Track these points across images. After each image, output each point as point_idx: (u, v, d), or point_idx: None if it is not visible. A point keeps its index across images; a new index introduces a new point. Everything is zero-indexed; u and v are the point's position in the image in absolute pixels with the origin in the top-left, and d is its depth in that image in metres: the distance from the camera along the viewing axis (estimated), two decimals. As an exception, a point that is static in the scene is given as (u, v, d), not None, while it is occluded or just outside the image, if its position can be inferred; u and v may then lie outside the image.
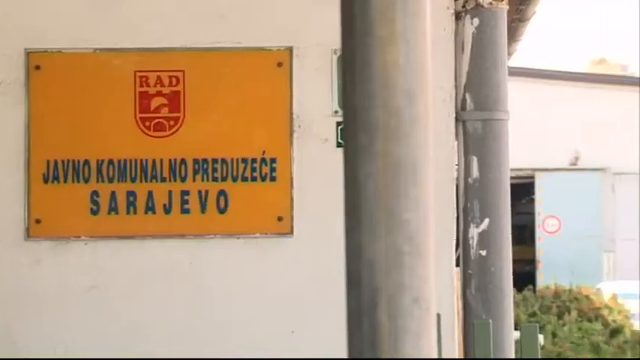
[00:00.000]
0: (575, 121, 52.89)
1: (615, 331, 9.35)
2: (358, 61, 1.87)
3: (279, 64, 5.34)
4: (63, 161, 5.48)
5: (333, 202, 4.68)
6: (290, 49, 5.32)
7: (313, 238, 5.20)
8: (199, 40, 5.42)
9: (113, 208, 5.46)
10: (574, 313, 11.80)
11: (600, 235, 53.40)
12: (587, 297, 15.03)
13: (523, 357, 2.68)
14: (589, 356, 7.54)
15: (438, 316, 2.41)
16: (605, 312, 13.91)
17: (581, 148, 53.64)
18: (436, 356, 1.83)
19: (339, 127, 5.10)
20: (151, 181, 5.44)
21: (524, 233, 49.36)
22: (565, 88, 55.05)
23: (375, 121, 1.84)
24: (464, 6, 4.98)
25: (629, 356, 7.62)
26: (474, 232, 5.06)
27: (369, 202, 1.84)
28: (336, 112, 5.16)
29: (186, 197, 5.42)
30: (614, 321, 12.55)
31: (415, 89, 1.84)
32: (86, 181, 5.47)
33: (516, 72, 37.93)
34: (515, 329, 5.00)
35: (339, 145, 5.12)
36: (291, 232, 5.28)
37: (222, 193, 5.39)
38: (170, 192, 5.43)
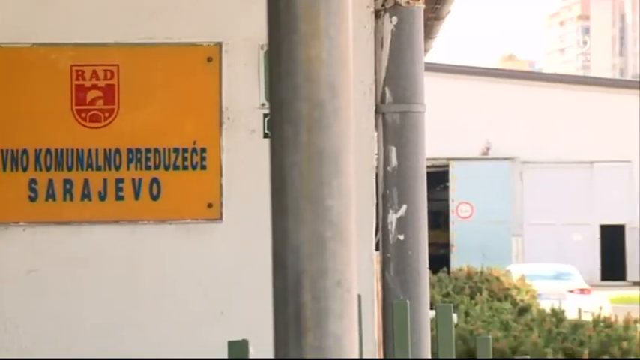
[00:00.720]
0: (487, 114, 53.44)
1: (523, 310, 9.44)
2: (283, 55, 1.86)
3: (209, 59, 5.33)
4: (2, 151, 5.43)
5: (260, 189, 4.68)
6: (219, 45, 5.31)
7: (241, 223, 5.19)
8: (133, 36, 5.39)
9: (51, 196, 5.42)
10: (485, 294, 11.90)
11: (509, 221, 54.04)
12: (497, 278, 15.17)
13: (438, 334, 2.69)
14: (499, 333, 7.59)
15: (359, 296, 2.41)
16: (513, 292, 14.04)
17: (491, 138, 54.19)
18: (357, 334, 1.83)
19: (266, 119, 5.08)
20: (87, 169, 5.40)
21: (439, 219, 49.83)
22: (477, 82, 55.59)
23: (299, 112, 1.83)
24: (383, 5, 4.99)
25: (535, 332, 7.69)
26: (392, 217, 5.07)
27: (293, 189, 1.84)
28: (263, 104, 5.15)
29: (120, 185, 5.39)
30: (522, 300, 12.66)
31: (337, 82, 1.84)
32: (24, 169, 5.43)
33: (432, 67, 38.20)
34: (431, 309, 5.03)
35: (265, 135, 5.12)
36: (221, 218, 5.28)
37: (154, 181, 5.37)
38: (105, 180, 5.40)
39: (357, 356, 1.81)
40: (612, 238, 54.05)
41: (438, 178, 50.32)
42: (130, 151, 5.39)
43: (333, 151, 1.84)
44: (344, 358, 1.77)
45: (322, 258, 1.79)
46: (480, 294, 11.85)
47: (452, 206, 53.84)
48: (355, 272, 1.84)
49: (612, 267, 53.32)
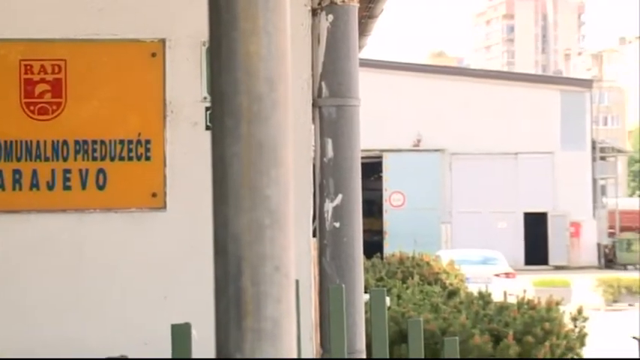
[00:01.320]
0: (418, 108, 53.75)
1: (452, 293, 9.49)
2: (224, 51, 1.86)
3: (153, 55, 5.30)
4: (-47, 142, 5.37)
5: (202, 179, 4.66)
6: (163, 41, 5.28)
7: (184, 212, 5.18)
8: (80, 32, 5.34)
9: (0, 185, 5.37)
10: (416, 278, 11.95)
11: (439, 209, 54.45)
12: (427, 263, 15.24)
13: (372, 317, 2.69)
14: (429, 315, 7.63)
15: (297, 282, 2.41)
16: (443, 276, 14.13)
17: (422, 131, 54.52)
18: (295, 317, 1.83)
19: (208, 112, 5.07)
20: (35, 160, 5.36)
21: (373, 207, 50.07)
22: (409, 78, 55.84)
23: (239, 105, 1.83)
24: (319, 3, 4.99)
25: (463, 314, 7.74)
26: (328, 206, 5.07)
27: (234, 179, 1.83)
28: (205, 98, 5.13)
29: (68, 175, 5.35)
30: (451, 284, 12.74)
31: (275, 77, 1.84)
32: (-25, 160, 5.37)
33: (367, 63, 38.31)
34: (365, 292, 5.03)
35: (207, 127, 5.10)
36: (165, 207, 5.25)
37: (101, 171, 5.33)
38: (53, 170, 5.36)
39: (294, 338, 1.81)
40: (535, 225, 54.63)
41: (372, 169, 50.57)
42: (77, 142, 5.35)
43: (272, 142, 1.84)
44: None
45: (261, 245, 1.79)
46: (412, 278, 11.90)
47: (385, 195, 54.19)
48: (293, 258, 1.84)
49: (535, 252, 53.89)
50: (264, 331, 1.77)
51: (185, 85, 5.21)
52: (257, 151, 1.83)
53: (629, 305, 31.34)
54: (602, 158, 58.81)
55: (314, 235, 5.21)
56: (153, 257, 5.20)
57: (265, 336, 1.76)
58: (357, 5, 5.11)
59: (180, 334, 2.45)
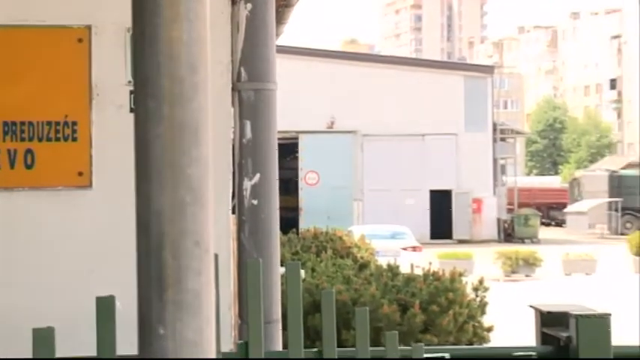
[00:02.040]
0: (332, 92, 53.86)
1: (363, 266, 9.54)
2: (147, 37, 1.85)
3: (80, 40, 5.24)
4: None
5: (126, 159, 4.61)
6: (89, 27, 5.22)
7: (109, 190, 5.13)
8: (8, 18, 5.26)
9: None
10: (330, 252, 11.99)
11: (351, 187, 54.70)
12: (340, 238, 15.29)
13: (287, 289, 2.69)
14: (342, 287, 7.67)
15: (216, 256, 2.40)
16: (355, 250, 14.18)
17: (336, 114, 54.68)
18: (214, 289, 1.82)
19: (132, 95, 5.02)
20: (-35, 141, 5.27)
21: (289, 185, 50.15)
22: (323, 63, 55.93)
23: (161, 88, 1.82)
24: (239, -8, 4.96)
25: (373, 286, 7.79)
26: (247, 184, 5.06)
27: (156, 159, 1.82)
28: (129, 81, 5.08)
29: (-3, 155, 5.27)
30: (362, 257, 12.80)
31: (196, 61, 1.83)
32: None
33: (284, 50, 38.26)
34: (282, 266, 5.04)
35: (132, 110, 5.05)
36: (90, 185, 5.21)
37: (29, 151, 5.26)
38: (-17, 151, 5.28)
39: (213, 309, 1.81)
40: (440, 202, 55.17)
41: (289, 149, 50.64)
42: (5, 124, 5.27)
43: (193, 123, 1.83)
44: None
45: (182, 221, 1.79)
46: (325, 252, 11.93)
47: (300, 174, 54.35)
48: (212, 234, 1.84)
49: (440, 227, 54.43)
50: (185, 302, 1.76)
51: (110, 69, 5.16)
52: (178, 132, 1.82)
53: (526, 276, 31.81)
54: (502, 139, 59.54)
55: (233, 212, 5.20)
56: (79, 233, 5.15)
57: (186, 307, 1.76)
58: (274, -6, 5.10)
59: (105, 306, 2.43)
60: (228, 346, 4.32)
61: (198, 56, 1.84)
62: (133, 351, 1.94)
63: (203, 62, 1.85)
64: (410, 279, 8.11)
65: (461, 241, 52.08)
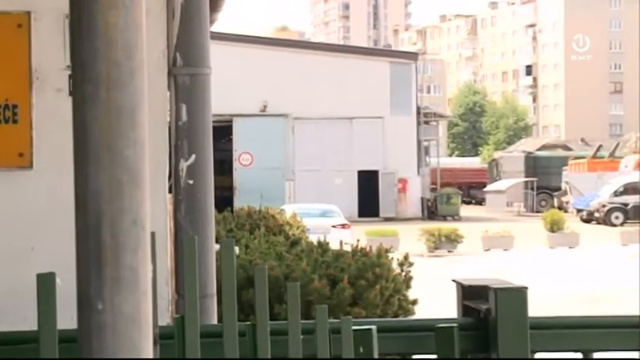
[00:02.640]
0: (264, 77, 53.76)
1: (294, 243, 9.55)
2: (84, 22, 1.82)
3: (19, 26, 5.16)
4: None
5: (66, 141, 4.55)
6: (28, 13, 5.14)
7: (49, 170, 5.06)
8: (-51, 4, 5.15)
9: None
10: (263, 229, 11.98)
11: (283, 167, 54.74)
12: (273, 216, 15.29)
13: (222, 265, 2.68)
14: (274, 263, 7.67)
15: (153, 233, 2.38)
16: (286, 228, 14.19)
17: (268, 98, 54.61)
18: (150, 266, 1.81)
19: (71, 79, 4.96)
20: None
21: (224, 166, 50.00)
22: (256, 50, 55.76)
23: (98, 73, 1.81)
24: (174, -19, 4.92)
25: (304, 261, 7.80)
26: (183, 165, 5.04)
27: (94, 141, 1.81)
28: (68, 66, 5.02)
29: (-61, 137, 5.18)
30: (293, 235, 12.81)
31: (132, 46, 1.81)
32: None
33: (218, 36, 38.05)
34: (217, 243, 5.02)
35: (71, 93, 4.98)
36: (31, 166, 5.14)
37: (-29, 133, 5.18)
38: None
39: (150, 284, 1.80)
40: (368, 182, 55.46)
41: (223, 132, 50.49)
42: (-53, 106, 5.18)
43: (129, 106, 1.81)
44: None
45: (120, 200, 1.77)
46: (259, 230, 11.92)
47: (235, 155, 54.29)
48: (149, 212, 1.82)
49: (368, 206, 54.72)
50: (123, 278, 1.75)
51: (49, 54, 5.08)
52: (115, 115, 1.80)
53: (448, 252, 32.11)
54: (426, 122, 59.91)
55: (170, 192, 5.17)
56: (20, 212, 5.08)
57: (123, 283, 1.75)
58: (209, -17, 5.06)
59: (46, 282, 2.40)
60: (166, 319, 4.30)
61: (134, 41, 1.82)
62: (73, 325, 1.92)
63: (139, 47, 1.83)
64: (339, 255, 8.14)
65: (387, 219, 52.39)
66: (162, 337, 2.76)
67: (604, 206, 48.34)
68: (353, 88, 54.90)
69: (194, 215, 4.94)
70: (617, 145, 75.50)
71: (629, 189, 48.70)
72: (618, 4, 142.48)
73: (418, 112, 57.51)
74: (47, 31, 5.04)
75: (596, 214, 48.45)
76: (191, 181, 4.98)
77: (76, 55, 1.85)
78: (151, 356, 1.79)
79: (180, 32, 4.93)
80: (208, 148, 5.08)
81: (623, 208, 47.78)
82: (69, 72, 4.87)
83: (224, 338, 2.65)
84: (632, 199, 47.95)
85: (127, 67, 1.81)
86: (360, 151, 55.28)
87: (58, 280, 2.57)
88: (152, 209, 1.88)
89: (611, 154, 66.98)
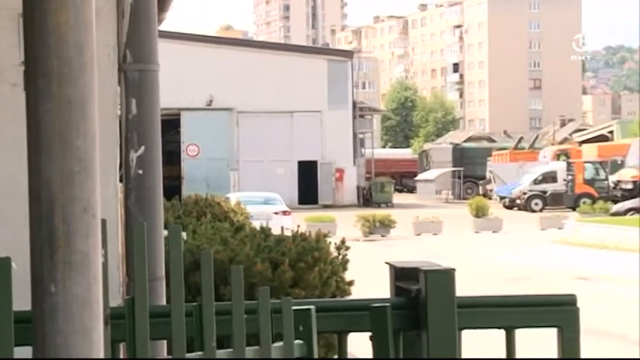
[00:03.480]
0: (210, 73, 53.50)
1: (238, 229, 9.52)
2: (37, 21, 1.80)
3: (-24, 24, 5.07)
4: None
5: (21, 133, 4.49)
6: (-15, 12, 5.05)
7: (6, 161, 4.98)
8: None
9: None
10: (209, 216, 11.92)
11: (228, 158, 54.59)
12: (218, 204, 15.22)
13: (170, 249, 2.66)
14: (219, 247, 7.63)
15: (104, 220, 2.35)
16: (231, 215, 14.14)
17: (214, 93, 54.39)
18: (101, 251, 1.79)
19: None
20: None
21: (172, 157, 49.70)
22: (202, 48, 55.49)
23: (50, 68, 1.78)
24: (124, -18, 4.87)
25: (248, 246, 7.77)
26: (133, 156, 4.99)
27: (47, 132, 1.79)
28: (22, 62, 4.94)
29: None
30: (237, 221, 12.77)
31: (83, 44, 1.79)
32: None
33: (167, 35, 37.79)
34: (165, 229, 4.99)
35: (25, 88, 4.91)
36: (-12, 157, 5.06)
37: None
38: None
39: (100, 268, 1.78)
40: (307, 172, 55.51)
41: (172, 125, 50.18)
42: None
43: (80, 100, 1.79)
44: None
45: (71, 189, 1.75)
46: (205, 216, 11.87)
47: (182, 147, 53.98)
48: (99, 200, 1.80)
49: (307, 194, 54.76)
50: (74, 262, 1.73)
51: (5, 51, 5.00)
52: (67, 108, 1.78)
53: (382, 236, 32.25)
54: (361, 116, 60.08)
55: (121, 181, 5.12)
56: (-21, 201, 5.00)
57: (75, 267, 1.73)
58: (156, -15, 5.01)
59: (1, 266, 2.37)
60: (117, 301, 4.25)
61: (84, 39, 1.80)
62: (28, 307, 1.90)
63: (89, 44, 1.81)
64: (280, 240, 8.12)
65: (325, 206, 52.47)
66: (114, 317, 2.74)
67: (525, 194, 48.87)
68: (293, 84, 54.91)
69: (144, 203, 4.89)
70: (537, 137, 76.44)
71: (548, 178, 49.29)
72: (537, 7, 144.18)
73: (354, 107, 57.64)
74: (2, 29, 4.96)
75: (518, 201, 48.98)
76: (141, 171, 4.93)
77: (29, 51, 1.83)
78: (102, 336, 1.77)
79: (130, 31, 4.88)
80: (157, 140, 5.04)
81: (542, 196, 48.35)
82: (23, 68, 4.80)
83: (172, 318, 2.64)
84: (550, 187, 48.55)
85: (78, 63, 1.78)
86: (300, 142, 55.33)
87: (13, 264, 2.53)
88: (103, 197, 1.86)
89: (531, 146, 67.76)
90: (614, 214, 35.63)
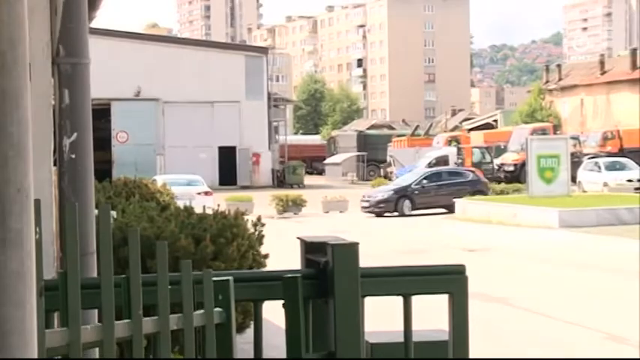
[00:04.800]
0: (138, 66, 52.89)
1: (164, 208, 9.42)
2: (-28, 16, 1.73)
3: None
4: None
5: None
6: None
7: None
8: None
9: None
10: (137, 196, 11.78)
11: (155, 144, 54.08)
12: (146, 185, 15.03)
13: (100, 227, 2.61)
14: (146, 225, 7.54)
15: (38, 201, 2.30)
16: (158, 195, 13.99)
17: (142, 84, 53.77)
18: (33, 228, 1.75)
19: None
20: None
21: (103, 143, 48.97)
22: (131, 43, 54.79)
23: (-15, 61, 1.73)
24: (56, -17, 4.75)
25: (173, 223, 7.70)
26: (66, 142, 4.88)
27: (-18, 120, 1.73)
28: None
29: None
30: (163, 201, 12.64)
31: (16, 38, 1.74)
32: None
33: (97, 32, 37.11)
34: (96, 208, 4.90)
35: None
36: None
37: None
38: None
39: (34, 244, 1.74)
40: (227, 156, 55.34)
41: (103, 113, 49.54)
42: None
43: (14, 90, 1.75)
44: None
45: (5, 172, 1.70)
46: (134, 197, 11.71)
47: (113, 134, 53.29)
48: (32, 182, 1.76)
49: (227, 176, 54.56)
50: (9, 239, 1.69)
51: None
52: (1, 98, 1.73)
53: (294, 214, 32.31)
54: (275, 106, 59.99)
55: (55, 165, 5.01)
56: None
57: (9, 243, 1.68)
58: (87, -14, 4.91)
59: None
60: (52, 274, 4.17)
61: (17, 34, 1.75)
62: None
63: (22, 39, 1.76)
64: (202, 218, 8.07)
65: (243, 187, 52.34)
66: (48, 289, 2.68)
67: (420, 175, 49.39)
68: (214, 77, 54.63)
69: (76, 185, 4.80)
70: (431, 125, 77.40)
71: (441, 161, 49.94)
72: (431, 9, 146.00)
73: (269, 98, 57.58)
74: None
75: (415, 182, 49.49)
76: (73, 155, 4.84)
77: (-35, 44, 1.76)
78: (35, 306, 1.73)
79: (63, 27, 4.77)
80: (88, 127, 4.94)
81: (436, 177, 48.93)
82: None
83: (102, 289, 2.60)
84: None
85: (11, 56, 1.73)
86: (220, 130, 55.15)
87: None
88: (38, 180, 1.82)
89: (426, 133, 68.59)
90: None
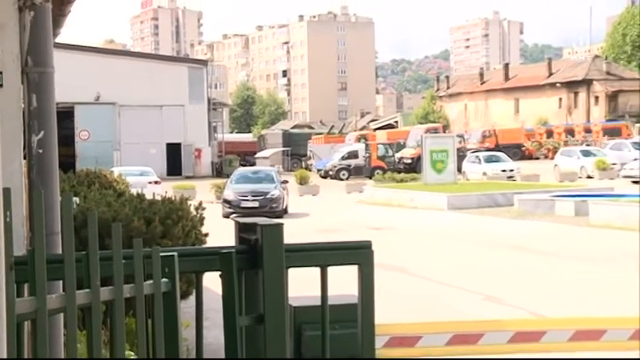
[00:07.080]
0: (98, 75, 52.02)
1: (120, 195, 9.26)
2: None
3: None
4: None
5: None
6: None
7: None
8: None
9: None
10: (97, 185, 11.56)
11: (112, 141, 53.29)
12: (105, 176, 14.74)
13: (62, 212, 2.55)
14: (105, 209, 7.39)
15: (9, 189, 2.24)
16: (115, 184, 13.74)
17: (101, 90, 52.88)
18: (2, 212, 1.69)
19: (-56, 74, 4.56)
20: None
21: (68, 140, 47.97)
22: (92, 56, 53.90)
23: (-40, 69, 1.66)
24: (24, 3, 4.60)
25: (127, 208, 7.56)
26: (34, 139, 4.76)
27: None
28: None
29: None
30: (120, 189, 12.42)
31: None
32: None
33: (63, 46, 36.23)
34: (61, 195, 4.79)
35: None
36: None
37: None
38: None
39: (3, 226, 1.68)
40: (174, 151, 54.88)
41: (67, 115, 48.82)
42: None
43: (-14, 95, 1.68)
44: None
45: (-21, 165, 1.64)
46: (94, 185, 11.49)
47: (76, 132, 52.41)
48: (0, 174, 1.70)
49: (174, 168, 54.06)
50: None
51: None
52: (-25, 101, 1.66)
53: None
54: (214, 109, 59.62)
55: (25, 158, 4.88)
56: None
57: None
58: (51, 6, 4.77)
59: None
60: (22, 251, 4.06)
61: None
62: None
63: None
64: (153, 203, 7.97)
65: (188, 177, 51.84)
66: (19, 263, 2.61)
67: (335, 167, 49.67)
68: (162, 85, 54.11)
69: (43, 175, 4.68)
70: (344, 125, 77.80)
71: (352, 155, 50.25)
72: (343, 30, 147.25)
73: (208, 102, 57.22)
74: None
75: (330, 172, 49.73)
76: (41, 150, 4.71)
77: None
78: (4, 278, 1.67)
79: (31, 42, 4.63)
80: (53, 127, 4.82)
81: (347, 168, 49.26)
82: (-58, 69, 4.49)
83: (65, 263, 2.54)
84: (353, 162, 49.50)
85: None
86: (168, 129, 54.66)
87: None
88: (10, 171, 1.76)
89: (340, 131, 68.92)
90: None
